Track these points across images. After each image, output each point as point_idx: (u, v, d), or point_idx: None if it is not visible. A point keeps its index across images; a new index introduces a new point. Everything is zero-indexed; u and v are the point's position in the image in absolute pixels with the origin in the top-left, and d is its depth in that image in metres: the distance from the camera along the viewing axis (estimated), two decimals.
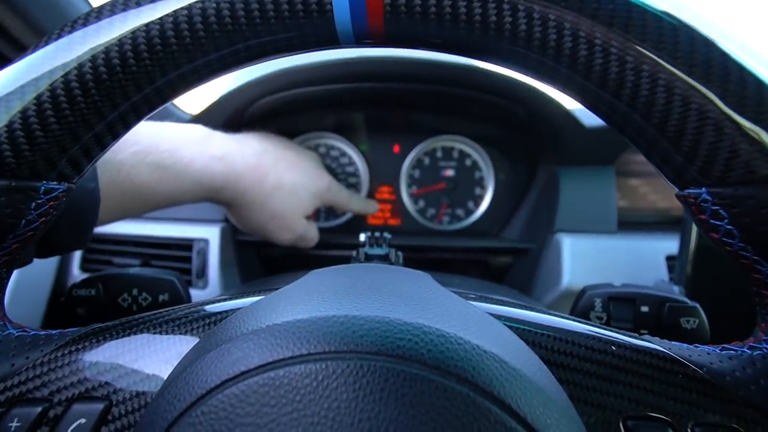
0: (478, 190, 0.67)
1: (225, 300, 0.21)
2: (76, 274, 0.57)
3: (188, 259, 0.56)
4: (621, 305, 0.29)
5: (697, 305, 0.28)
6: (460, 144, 0.67)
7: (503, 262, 0.63)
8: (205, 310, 0.20)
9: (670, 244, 0.52)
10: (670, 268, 0.50)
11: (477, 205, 0.67)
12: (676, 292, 0.41)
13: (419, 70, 0.52)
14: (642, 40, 0.15)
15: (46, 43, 0.17)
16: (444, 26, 0.16)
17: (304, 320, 0.14)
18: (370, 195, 0.68)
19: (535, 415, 0.13)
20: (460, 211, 0.68)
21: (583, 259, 0.51)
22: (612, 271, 0.50)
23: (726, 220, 0.16)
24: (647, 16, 0.15)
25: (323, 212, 0.68)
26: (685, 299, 0.28)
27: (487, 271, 0.65)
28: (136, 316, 0.21)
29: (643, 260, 0.50)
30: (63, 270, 0.56)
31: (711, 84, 0.15)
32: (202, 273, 0.54)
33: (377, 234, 0.40)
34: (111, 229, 0.58)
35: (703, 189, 0.16)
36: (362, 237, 0.40)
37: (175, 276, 0.32)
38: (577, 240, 0.53)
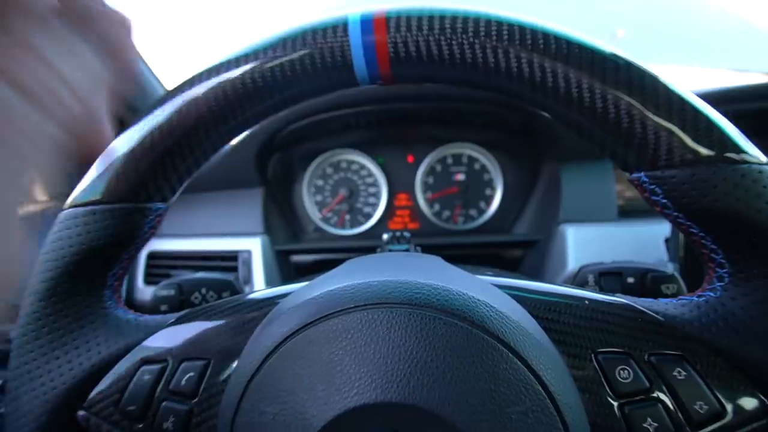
0: (488, 191, 0.72)
1: (274, 289, 0.26)
2: (141, 287, 0.64)
3: (234, 269, 0.62)
4: (610, 278, 0.33)
5: (675, 273, 0.32)
6: (469, 150, 0.71)
7: (515, 254, 0.67)
8: (261, 297, 0.26)
9: (668, 228, 0.55)
10: (669, 250, 0.53)
11: (488, 204, 0.71)
12: (670, 268, 0.45)
13: (425, 90, 0.57)
14: (592, 73, 0.20)
15: (152, 109, 0.23)
16: (435, 67, 0.21)
17: (351, 285, 0.19)
18: (389, 202, 0.73)
19: (516, 342, 0.17)
20: (473, 211, 0.72)
21: (587, 245, 0.55)
22: (614, 255, 0.53)
23: (661, 195, 0.20)
24: (597, 56, 0.20)
25: (348, 220, 0.74)
26: (665, 269, 0.32)
27: (501, 263, 0.69)
28: (212, 304, 0.26)
29: (643, 244, 0.53)
30: (130, 284, 0.64)
31: (634, 95, 0.19)
32: (248, 279, 0.60)
33: (398, 233, 0.45)
34: (166, 247, 0.65)
35: (642, 173, 0.20)
36: (385, 236, 0.45)
37: (233, 278, 0.38)
38: (580, 229, 0.57)
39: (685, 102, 0.19)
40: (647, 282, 0.32)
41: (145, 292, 0.61)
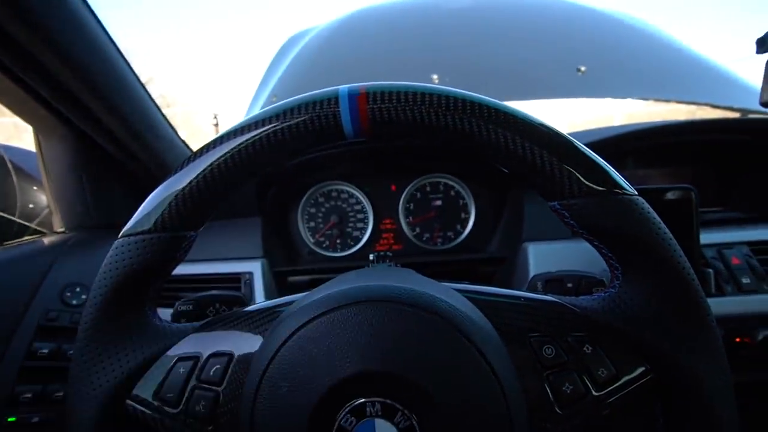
0: (462, 215, 0.79)
1: (279, 299, 0.32)
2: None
3: (238, 289, 0.67)
4: (554, 284, 0.40)
5: (604, 279, 0.38)
6: (444, 179, 0.79)
7: (487, 270, 0.73)
8: (270, 305, 0.31)
9: None
10: None
11: (463, 227, 0.78)
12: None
13: None
14: (516, 131, 0.26)
15: (188, 163, 0.29)
16: (404, 127, 0.28)
17: (344, 288, 0.25)
18: (376, 227, 0.79)
19: (464, 326, 0.24)
20: (450, 233, 0.79)
21: (546, 260, 0.62)
22: (568, 267, 0.59)
23: (569, 218, 0.27)
24: (518, 119, 0.26)
25: (339, 243, 0.79)
26: (595, 275, 0.39)
27: (476, 278, 0.76)
28: (231, 312, 0.32)
29: (592, 258, 0.59)
30: None
31: (544, 146, 0.26)
32: (250, 299, 0.65)
33: (382, 253, 0.51)
34: (175, 272, 0.69)
35: (555, 201, 0.27)
36: (371, 257, 0.51)
37: (241, 294, 0.44)
38: (539, 246, 0.64)
39: (580, 152, 0.26)
40: (582, 286, 0.38)
41: (160, 313, 0.65)
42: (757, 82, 0.47)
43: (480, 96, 0.28)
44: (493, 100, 0.28)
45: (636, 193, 0.26)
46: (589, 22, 1.32)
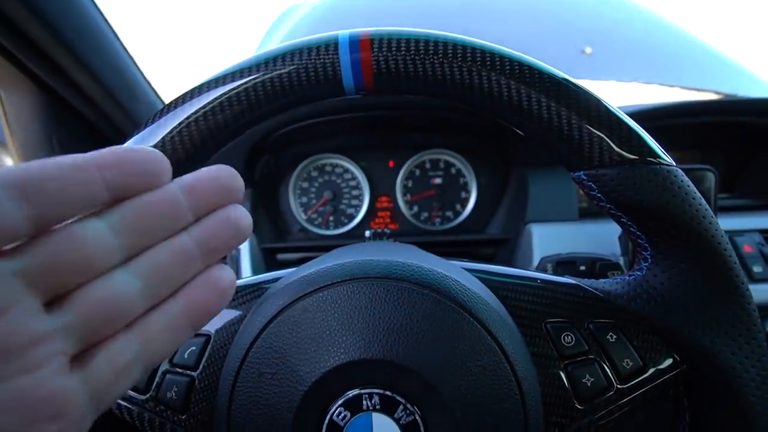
0: (463, 194, 0.75)
1: (264, 275, 0.29)
2: None
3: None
4: (565, 267, 0.37)
5: (620, 261, 0.36)
6: (445, 156, 0.75)
7: (488, 252, 0.71)
8: (253, 281, 0.28)
9: None
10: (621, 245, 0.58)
11: (463, 206, 0.75)
12: (622, 261, 0.49)
13: (405, 100, 0.60)
14: (540, 89, 0.23)
15: (161, 116, 0.25)
16: (411, 81, 0.24)
17: (338, 263, 0.22)
18: (371, 204, 0.76)
19: (475, 309, 0.21)
20: (449, 213, 0.76)
21: (550, 242, 0.59)
22: (574, 250, 0.57)
23: (596, 190, 0.24)
24: (544, 75, 0.23)
25: (332, 220, 0.76)
26: (610, 258, 0.36)
27: (477, 260, 0.73)
28: None
29: (600, 240, 0.57)
30: None
31: (572, 108, 0.23)
32: (237, 275, 0.62)
33: (379, 231, 0.48)
34: None
35: (581, 172, 0.24)
36: (367, 233, 0.48)
37: None
38: (544, 228, 0.61)
39: (612, 115, 0.23)
40: (596, 269, 0.36)
41: None
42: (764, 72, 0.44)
43: (501, 47, 0.24)
44: (515, 52, 0.24)
45: (674, 163, 0.23)
46: (597, 3, 1.28)
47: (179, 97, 0.25)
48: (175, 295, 0.15)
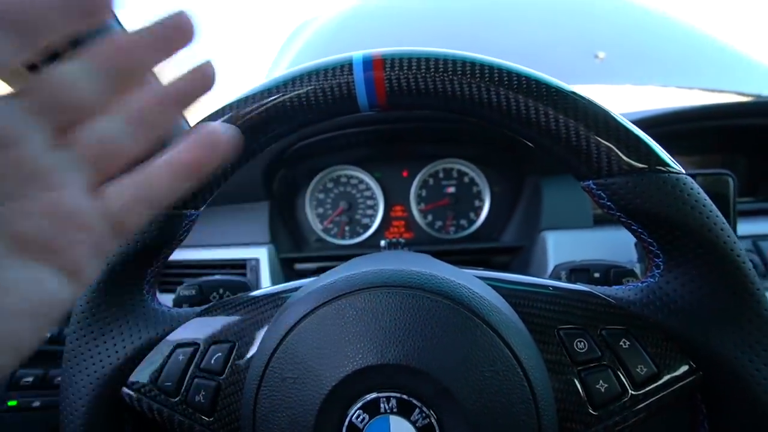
0: (477, 203, 0.76)
1: (285, 284, 0.30)
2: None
3: (243, 276, 0.65)
4: (579, 274, 0.37)
5: (636, 267, 0.36)
6: (458, 165, 0.76)
7: (503, 260, 0.71)
8: (274, 291, 0.29)
9: None
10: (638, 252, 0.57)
11: (477, 215, 0.76)
12: (638, 268, 0.49)
13: (417, 112, 0.62)
14: (548, 102, 0.24)
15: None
16: (422, 97, 0.26)
17: (357, 273, 0.23)
18: (386, 214, 0.77)
19: (488, 316, 0.21)
20: (463, 221, 0.76)
21: (565, 249, 0.59)
22: (589, 257, 0.57)
23: (605, 199, 0.24)
24: (551, 88, 0.24)
25: (348, 230, 0.77)
26: (625, 265, 0.36)
27: (491, 268, 0.73)
28: (233, 297, 0.30)
29: (616, 247, 0.57)
30: None
31: (580, 119, 0.24)
32: (256, 285, 0.63)
33: (394, 240, 0.49)
34: (179, 257, 0.68)
35: (590, 181, 0.25)
36: (382, 243, 0.49)
37: (247, 280, 0.42)
38: (559, 235, 0.61)
39: (620, 125, 0.23)
40: (611, 276, 0.36)
41: (161, 299, 0.64)
42: None
43: (507, 63, 0.25)
44: (522, 67, 0.25)
45: (683, 171, 0.24)
46: (609, 7, 1.27)
47: (206, 117, 0.27)
48: (176, 148, 0.18)
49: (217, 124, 0.19)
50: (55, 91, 0.15)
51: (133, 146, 0.17)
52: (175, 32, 0.17)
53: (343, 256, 0.65)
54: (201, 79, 0.18)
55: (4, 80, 0.14)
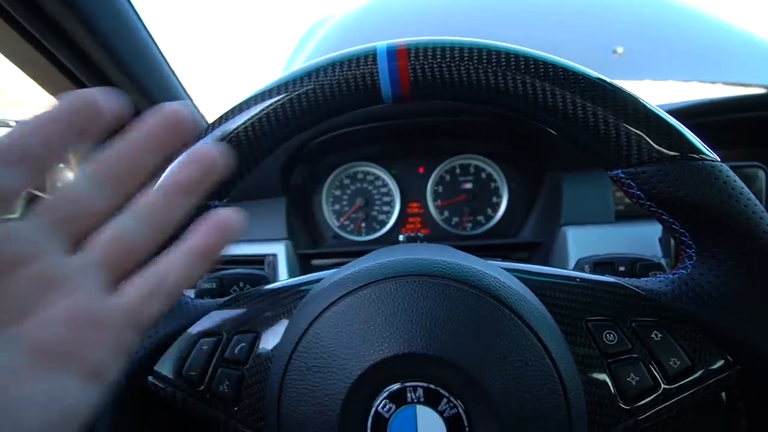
0: (494, 199, 0.75)
1: (306, 276, 0.30)
2: None
3: (261, 270, 0.66)
4: (604, 268, 0.36)
5: (662, 262, 0.35)
6: (475, 161, 0.75)
7: (521, 256, 0.70)
8: (296, 282, 0.29)
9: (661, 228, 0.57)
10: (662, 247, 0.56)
11: (495, 211, 0.75)
12: (664, 263, 0.47)
13: (434, 107, 0.61)
14: (575, 90, 0.23)
15: (218, 124, 0.27)
16: (447, 88, 0.25)
17: (383, 262, 0.23)
18: (402, 210, 0.77)
19: (516, 305, 0.21)
20: (480, 218, 0.75)
21: (586, 245, 0.58)
22: (613, 252, 0.56)
23: (635, 188, 0.24)
24: (578, 76, 0.23)
25: (364, 227, 0.77)
26: (652, 258, 0.35)
27: None
28: (255, 289, 0.30)
29: (639, 243, 0.55)
30: None
31: (609, 106, 0.23)
32: (274, 280, 0.64)
33: (413, 236, 0.49)
34: None
35: (619, 170, 0.24)
36: (401, 238, 0.49)
37: (266, 273, 0.42)
38: (580, 230, 0.60)
39: (650, 112, 0.23)
40: (636, 270, 0.35)
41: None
42: None
43: (533, 51, 0.25)
44: (547, 54, 0.25)
45: (717, 158, 0.23)
46: (627, 2, 1.24)
47: (231, 109, 0.27)
48: (188, 236, 0.18)
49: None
50: (69, 205, 0.16)
51: (146, 242, 0.17)
52: (173, 128, 0.17)
53: (360, 252, 0.64)
54: (200, 163, 0.18)
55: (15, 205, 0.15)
